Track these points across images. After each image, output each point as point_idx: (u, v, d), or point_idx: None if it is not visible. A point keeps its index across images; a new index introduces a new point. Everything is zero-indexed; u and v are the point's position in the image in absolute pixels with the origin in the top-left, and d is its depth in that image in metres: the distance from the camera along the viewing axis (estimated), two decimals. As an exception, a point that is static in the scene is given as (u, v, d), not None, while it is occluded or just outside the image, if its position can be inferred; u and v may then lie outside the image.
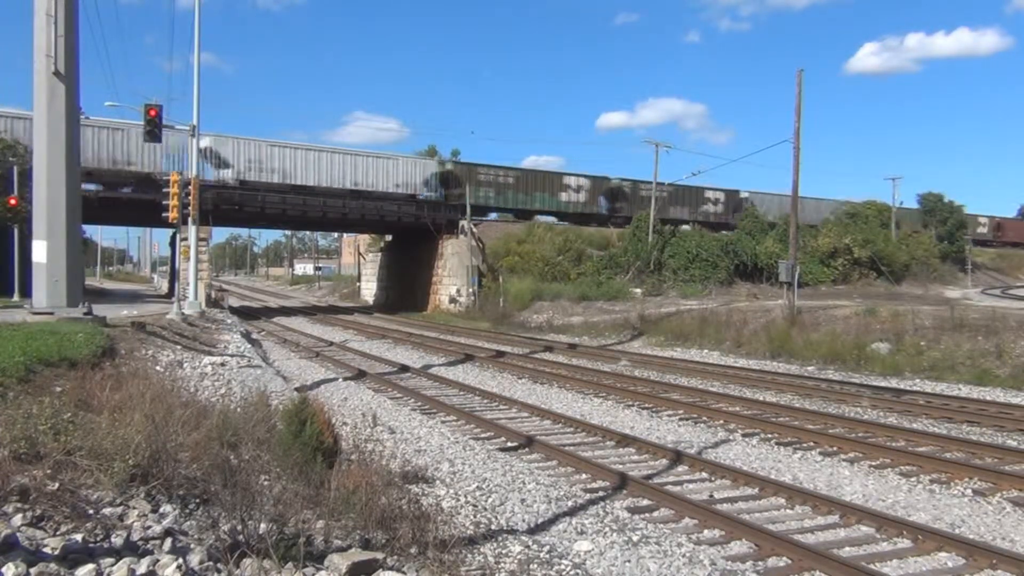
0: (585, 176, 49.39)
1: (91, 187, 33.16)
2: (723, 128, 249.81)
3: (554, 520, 7.79)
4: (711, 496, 8.97)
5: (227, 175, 38.15)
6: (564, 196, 48.27)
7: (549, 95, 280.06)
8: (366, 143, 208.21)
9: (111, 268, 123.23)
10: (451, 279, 43.64)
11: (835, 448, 11.19)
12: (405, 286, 50.35)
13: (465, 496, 8.16)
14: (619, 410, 14.70)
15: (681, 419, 13.72)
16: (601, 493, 8.94)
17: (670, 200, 50.58)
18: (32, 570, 3.86)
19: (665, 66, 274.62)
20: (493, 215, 47.17)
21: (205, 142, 35.66)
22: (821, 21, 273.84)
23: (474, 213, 43.80)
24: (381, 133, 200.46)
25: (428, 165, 44.94)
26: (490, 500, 8.38)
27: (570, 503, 8.34)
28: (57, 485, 5.10)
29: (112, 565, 4.11)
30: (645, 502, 8.65)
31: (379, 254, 58.31)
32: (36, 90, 16.35)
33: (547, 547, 6.54)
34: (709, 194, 54.13)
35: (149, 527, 4.93)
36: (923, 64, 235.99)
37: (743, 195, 54.95)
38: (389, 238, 55.16)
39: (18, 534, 4.35)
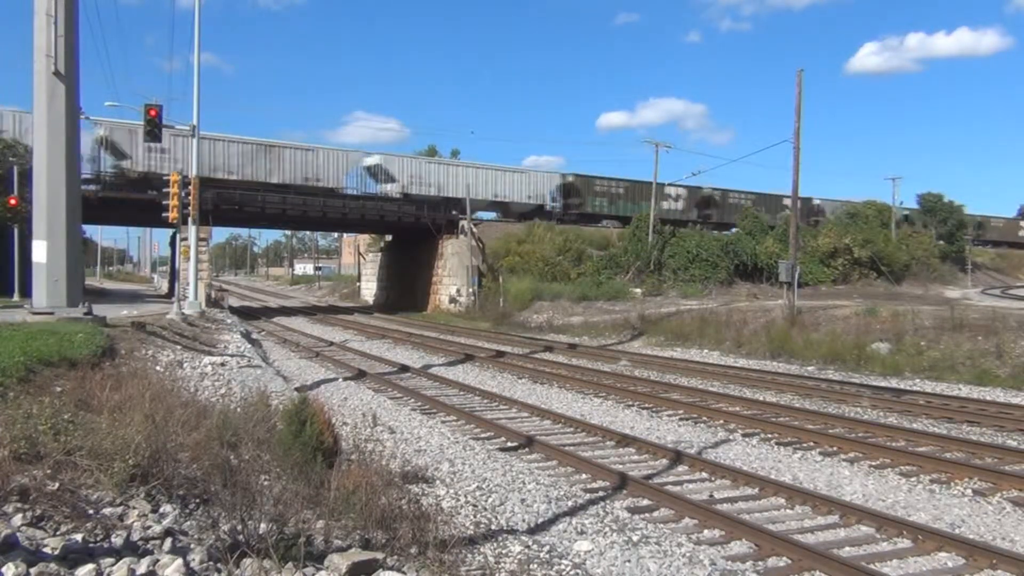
0: (683, 186, 52.84)
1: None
2: (723, 128, 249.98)
3: (554, 520, 7.79)
4: (711, 496, 8.97)
5: (394, 189, 44.19)
6: (665, 204, 51.87)
7: (549, 95, 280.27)
8: (366, 143, 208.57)
9: (111, 268, 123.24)
10: (451, 279, 43.65)
11: (835, 448, 11.19)
12: (405, 286, 50.36)
13: (465, 496, 8.16)
14: (619, 410, 14.70)
15: (681, 419, 13.72)
16: (601, 493, 8.94)
17: (753, 206, 54.43)
18: (32, 570, 3.87)
19: (666, 66, 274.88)
20: (605, 222, 49.54)
21: (374, 159, 43.81)
22: (822, 21, 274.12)
23: (589, 220, 47.14)
24: (381, 133, 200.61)
25: (553, 178, 49.87)
26: (490, 500, 8.37)
27: (570, 503, 8.34)
28: (57, 485, 5.11)
29: (112, 565, 4.12)
30: (645, 502, 8.65)
31: (379, 254, 58.33)
32: (36, 90, 16.35)
33: (547, 547, 6.54)
34: (787, 201, 55.70)
35: (149, 527, 4.93)
36: (924, 64, 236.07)
37: (816, 202, 59.15)
38: (389, 238, 55.18)
39: (18, 534, 4.35)
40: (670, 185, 52.10)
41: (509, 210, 47.56)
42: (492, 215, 48.51)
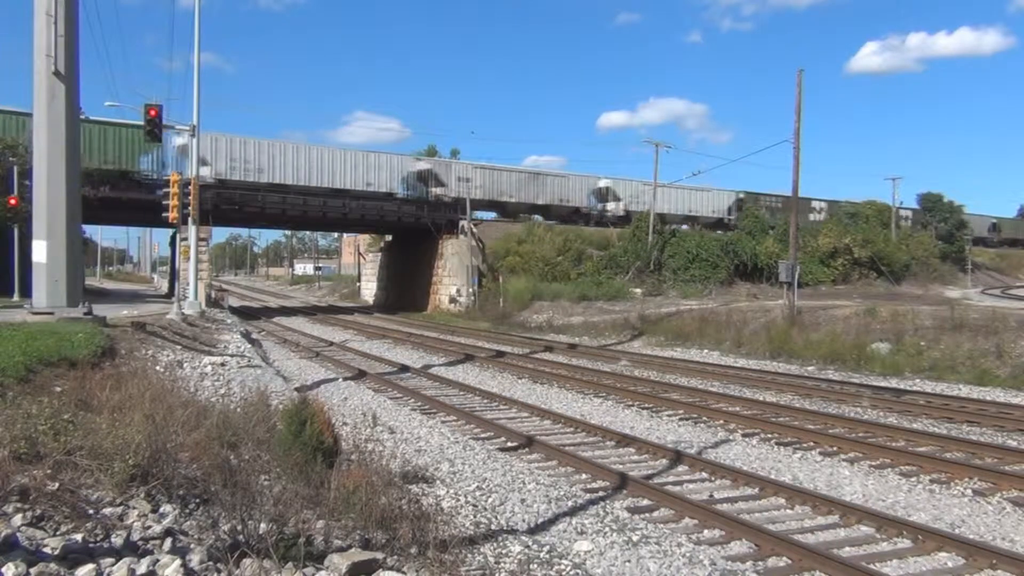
0: (825, 200, 59.52)
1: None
2: (724, 128, 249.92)
3: (554, 520, 7.79)
4: (711, 496, 8.97)
5: (618, 207, 50.24)
6: (811, 216, 56.41)
7: (550, 95, 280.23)
8: (367, 143, 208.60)
9: (111, 268, 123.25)
10: (451, 279, 43.66)
11: (835, 448, 11.19)
12: (405, 286, 50.37)
13: (465, 496, 8.16)
14: (619, 410, 14.70)
15: (681, 419, 13.72)
16: (601, 493, 8.94)
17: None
18: (32, 570, 3.87)
19: (666, 66, 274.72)
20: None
21: (604, 183, 50.90)
22: (823, 20, 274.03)
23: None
24: (382, 133, 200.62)
25: (731, 195, 54.89)
26: (490, 500, 8.38)
27: (570, 503, 8.34)
28: (57, 485, 5.11)
29: (112, 565, 4.12)
30: (645, 502, 8.65)
31: (379, 254, 58.33)
32: (36, 90, 16.35)
33: (547, 547, 6.54)
34: (815, 204, 60.11)
35: (149, 527, 4.93)
36: (925, 64, 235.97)
37: (842, 203, 61.00)
38: (389, 238, 55.19)
39: (18, 534, 4.35)
40: (816, 200, 58.68)
41: (698, 222, 53.27)
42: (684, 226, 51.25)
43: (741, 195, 55.34)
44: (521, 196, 47.03)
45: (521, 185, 47.22)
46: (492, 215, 47.59)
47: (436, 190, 44.32)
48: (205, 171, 36.98)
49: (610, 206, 50.73)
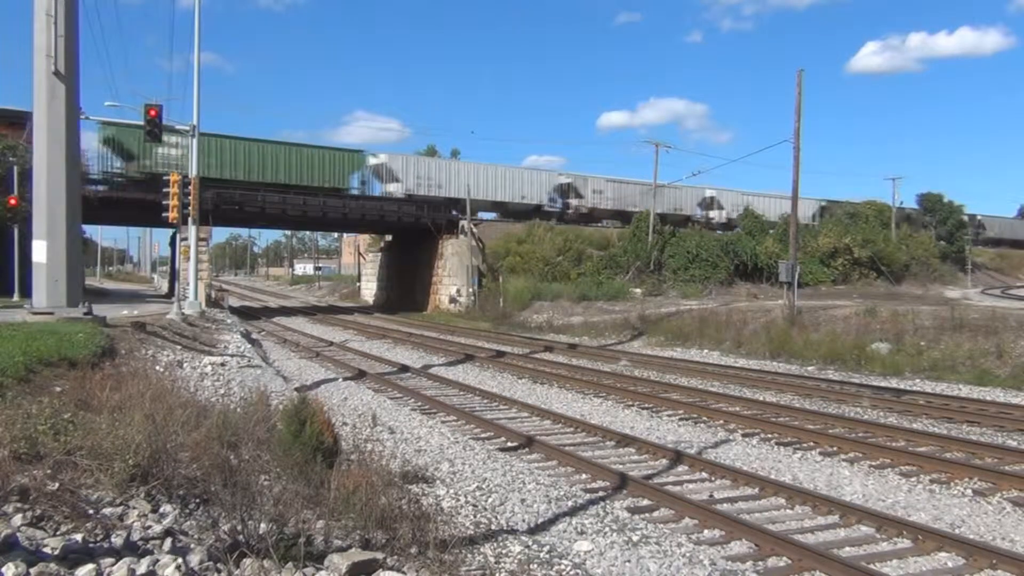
0: (913, 209, 62.95)
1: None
2: (725, 128, 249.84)
3: (554, 520, 7.79)
4: (711, 496, 8.97)
5: (720, 216, 53.86)
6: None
7: (550, 95, 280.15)
8: (367, 143, 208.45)
9: (111, 268, 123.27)
10: (451, 279, 43.66)
11: (835, 448, 11.19)
12: (405, 286, 50.37)
13: (465, 496, 8.16)
14: (619, 410, 14.70)
15: (681, 419, 13.72)
16: (601, 493, 8.94)
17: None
18: (32, 570, 3.86)
19: (666, 66, 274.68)
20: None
21: (710, 192, 54.36)
22: (823, 20, 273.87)
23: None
24: (382, 133, 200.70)
25: (816, 203, 57.62)
26: (490, 500, 8.38)
27: (570, 503, 8.34)
28: (57, 485, 5.11)
29: (112, 565, 4.12)
30: (645, 502, 8.65)
31: (379, 254, 58.33)
32: (36, 90, 16.35)
33: (547, 547, 6.54)
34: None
35: (149, 527, 4.93)
36: (925, 64, 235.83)
37: (979, 218, 68.65)
38: (389, 238, 55.20)
39: (18, 534, 4.35)
40: (899, 209, 61.50)
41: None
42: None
43: (823, 203, 59.64)
44: (643, 205, 49.15)
45: (644, 195, 49.73)
46: (616, 223, 50.72)
47: (574, 201, 49.69)
48: (396, 187, 44.08)
49: (713, 214, 54.62)
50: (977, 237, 70.94)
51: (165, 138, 34.80)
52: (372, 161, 44.48)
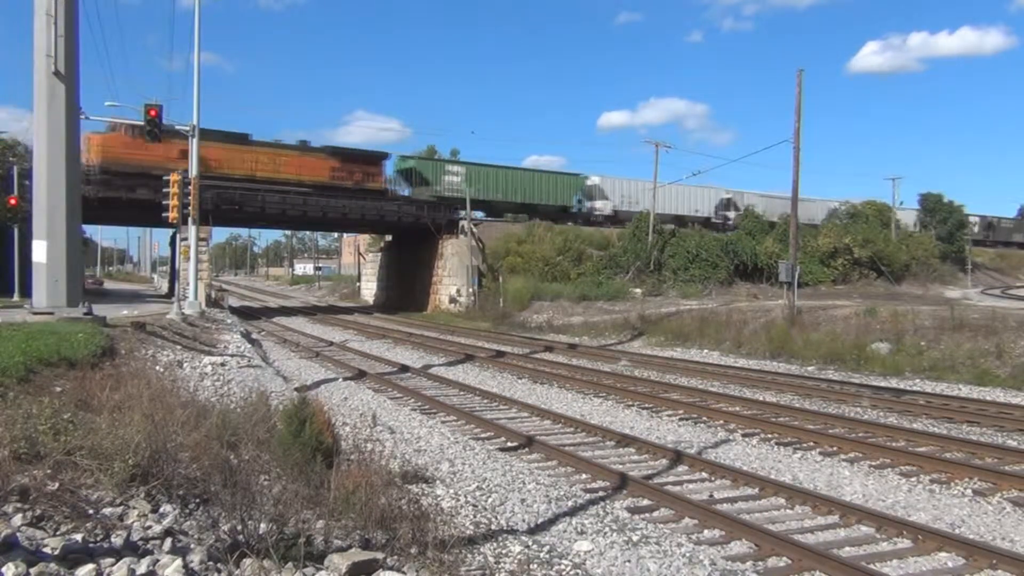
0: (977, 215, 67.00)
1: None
2: (725, 128, 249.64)
3: (554, 520, 7.79)
4: (711, 496, 8.97)
5: (739, 216, 54.53)
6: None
7: (550, 94, 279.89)
8: (367, 143, 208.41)
9: (111, 268, 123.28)
10: (451, 279, 43.67)
11: (835, 448, 11.19)
12: (405, 286, 50.37)
13: (465, 496, 8.16)
14: (619, 410, 14.70)
15: (681, 419, 13.72)
16: (601, 493, 8.95)
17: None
18: (32, 570, 3.87)
19: (667, 66, 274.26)
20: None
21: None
22: (824, 20, 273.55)
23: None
24: (382, 133, 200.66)
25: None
26: (490, 500, 8.38)
27: (570, 503, 8.34)
28: (57, 485, 5.11)
29: (112, 565, 4.12)
30: (645, 502, 8.65)
31: (379, 254, 58.33)
32: (36, 90, 16.36)
33: (547, 547, 6.54)
34: (972, 219, 67.33)
35: (149, 527, 4.93)
36: (926, 64, 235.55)
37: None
38: (389, 238, 55.20)
39: (18, 534, 4.35)
40: (971, 216, 64.67)
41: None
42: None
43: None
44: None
45: (787, 206, 53.33)
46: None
47: (732, 213, 53.63)
48: (603, 204, 49.46)
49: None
50: (987, 239, 71.29)
51: (448, 167, 45.33)
52: (587, 183, 50.29)
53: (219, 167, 37.30)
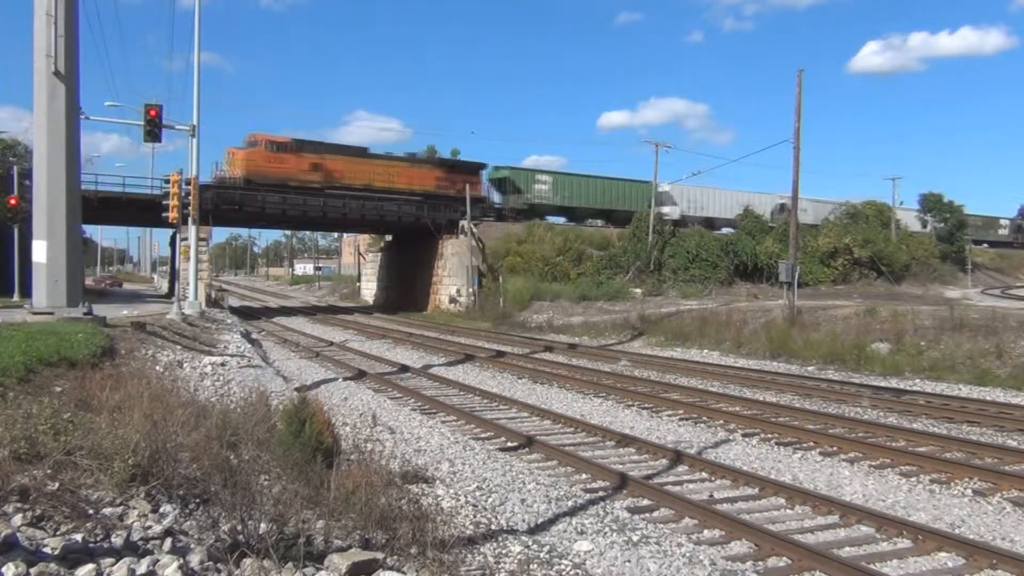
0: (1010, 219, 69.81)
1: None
2: (725, 128, 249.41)
3: (554, 520, 7.79)
4: (711, 496, 8.97)
5: (672, 211, 54.10)
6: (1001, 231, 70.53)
7: (550, 94, 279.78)
8: (367, 143, 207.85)
9: (111, 268, 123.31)
10: (451, 279, 43.67)
11: (835, 448, 11.19)
12: (405, 286, 50.38)
13: (465, 496, 8.16)
14: (619, 410, 14.70)
15: (681, 419, 13.72)
16: (601, 493, 8.94)
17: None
18: (32, 570, 3.87)
19: (667, 66, 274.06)
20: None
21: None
22: (824, 20, 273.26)
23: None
24: (383, 133, 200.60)
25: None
26: (490, 500, 8.38)
27: (570, 503, 8.34)
28: (57, 485, 5.11)
29: (112, 565, 4.12)
30: (645, 502, 8.65)
31: (379, 254, 58.33)
32: (36, 90, 16.37)
33: (547, 547, 6.54)
34: (1003, 221, 72.29)
35: (149, 527, 4.93)
36: (927, 63, 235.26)
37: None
38: (389, 238, 55.20)
39: (18, 534, 4.35)
40: (1002, 218, 68.84)
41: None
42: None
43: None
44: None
45: (833, 211, 56.57)
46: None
47: (665, 208, 52.61)
48: (671, 209, 50.51)
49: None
50: (1015, 242, 71.49)
51: (538, 176, 48.38)
52: (658, 190, 51.04)
53: (341, 178, 41.05)
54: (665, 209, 50.74)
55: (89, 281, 69.42)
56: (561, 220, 49.82)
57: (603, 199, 50.96)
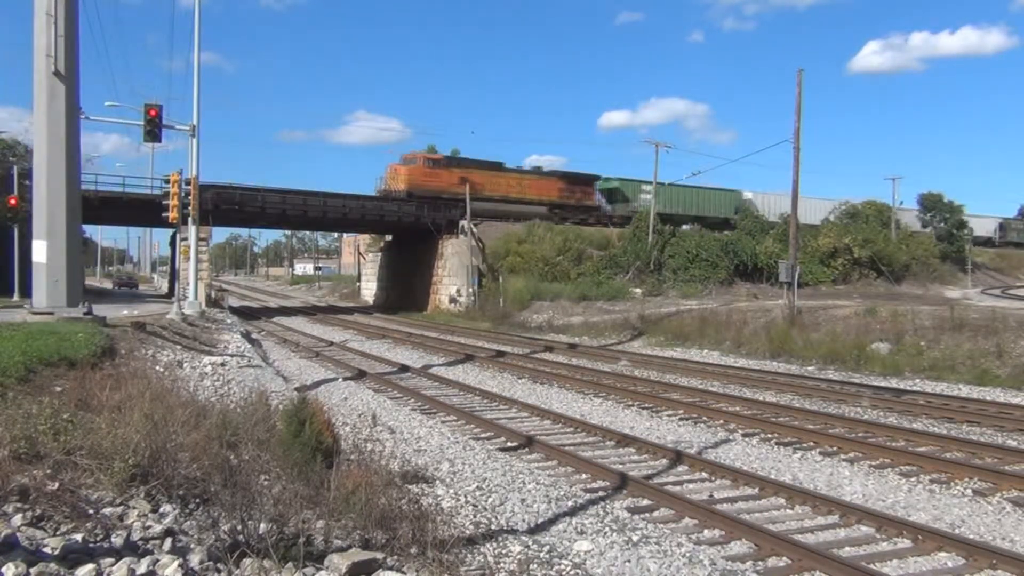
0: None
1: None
2: (726, 128, 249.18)
3: (554, 520, 7.79)
4: (711, 496, 8.97)
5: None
6: None
7: (551, 94, 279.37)
8: (368, 143, 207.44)
9: (111, 268, 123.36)
10: (451, 279, 43.68)
11: (835, 448, 11.19)
12: (405, 286, 50.39)
13: (465, 496, 8.16)
14: (619, 410, 14.70)
15: (681, 419, 13.72)
16: (601, 493, 8.94)
17: None
18: (32, 570, 3.87)
19: (668, 65, 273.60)
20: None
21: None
22: (825, 20, 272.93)
23: None
24: (383, 133, 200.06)
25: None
26: (490, 500, 8.37)
27: (570, 503, 8.33)
28: (57, 485, 5.11)
29: (112, 565, 4.12)
30: (645, 502, 8.65)
31: (379, 254, 58.32)
32: (36, 90, 16.36)
33: (547, 547, 6.54)
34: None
35: (149, 527, 4.93)
36: (927, 63, 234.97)
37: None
38: (389, 238, 55.20)
39: (18, 534, 4.36)
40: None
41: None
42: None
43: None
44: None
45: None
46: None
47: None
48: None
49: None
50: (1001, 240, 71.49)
51: (643, 187, 50.52)
52: (743, 197, 56.53)
53: (483, 190, 45.56)
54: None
55: (107, 283, 69.65)
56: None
57: (696, 206, 53.81)
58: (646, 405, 14.90)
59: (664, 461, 10.53)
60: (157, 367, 14.21)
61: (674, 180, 49.31)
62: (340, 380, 18.21)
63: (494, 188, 46.70)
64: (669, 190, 52.29)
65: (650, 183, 51.36)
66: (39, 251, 16.42)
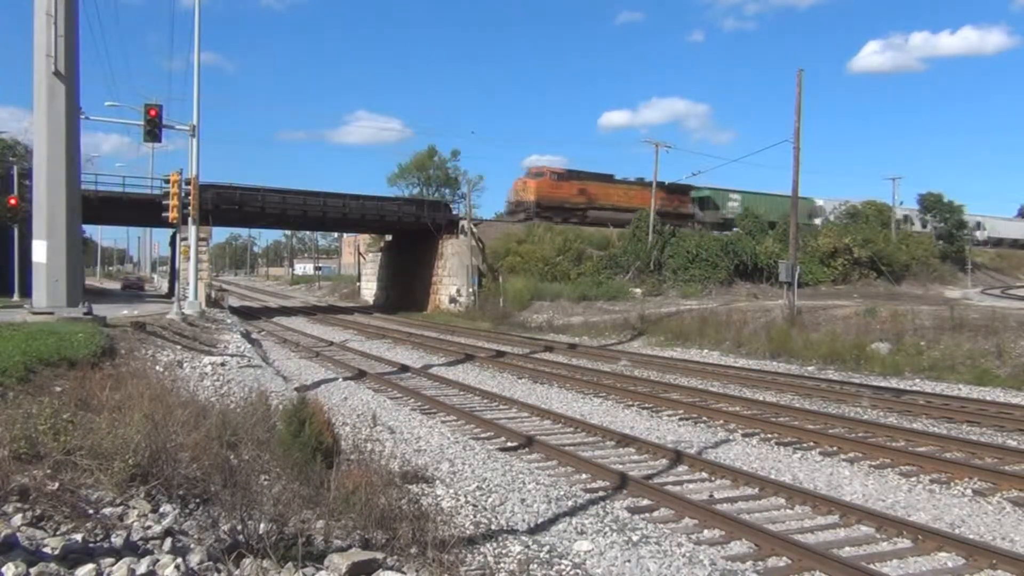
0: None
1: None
2: (726, 128, 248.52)
3: (554, 520, 7.79)
4: (711, 496, 8.97)
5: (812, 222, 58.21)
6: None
7: (551, 94, 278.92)
8: (368, 143, 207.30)
9: (111, 268, 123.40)
10: (451, 279, 43.68)
11: (835, 448, 11.19)
12: (405, 286, 50.39)
13: (465, 496, 8.16)
14: (619, 410, 14.70)
15: (681, 419, 13.72)
16: (601, 493, 8.94)
17: None
18: (32, 570, 3.87)
19: (668, 65, 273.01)
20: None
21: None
22: (825, 20, 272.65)
23: None
24: (383, 133, 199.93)
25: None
26: (490, 500, 8.38)
27: (570, 503, 8.34)
28: (57, 485, 5.11)
29: (112, 565, 4.12)
30: (645, 502, 8.65)
31: (379, 254, 58.33)
32: (36, 90, 16.36)
33: (547, 547, 6.54)
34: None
35: (149, 527, 4.93)
36: (928, 63, 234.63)
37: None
38: (389, 238, 55.20)
39: (18, 534, 4.35)
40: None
41: None
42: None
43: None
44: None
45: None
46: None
47: (817, 220, 57.52)
48: (822, 221, 56.35)
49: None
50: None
51: (730, 195, 55.83)
52: (815, 204, 58.46)
53: (596, 200, 49.61)
54: (816, 221, 56.18)
55: (108, 283, 69.61)
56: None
57: (776, 212, 54.42)
58: (646, 405, 14.90)
59: (664, 461, 10.53)
60: (157, 367, 14.20)
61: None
62: (340, 380, 18.21)
63: (606, 198, 50.32)
64: (751, 198, 55.99)
65: (737, 192, 56.31)
66: (39, 251, 16.42)
